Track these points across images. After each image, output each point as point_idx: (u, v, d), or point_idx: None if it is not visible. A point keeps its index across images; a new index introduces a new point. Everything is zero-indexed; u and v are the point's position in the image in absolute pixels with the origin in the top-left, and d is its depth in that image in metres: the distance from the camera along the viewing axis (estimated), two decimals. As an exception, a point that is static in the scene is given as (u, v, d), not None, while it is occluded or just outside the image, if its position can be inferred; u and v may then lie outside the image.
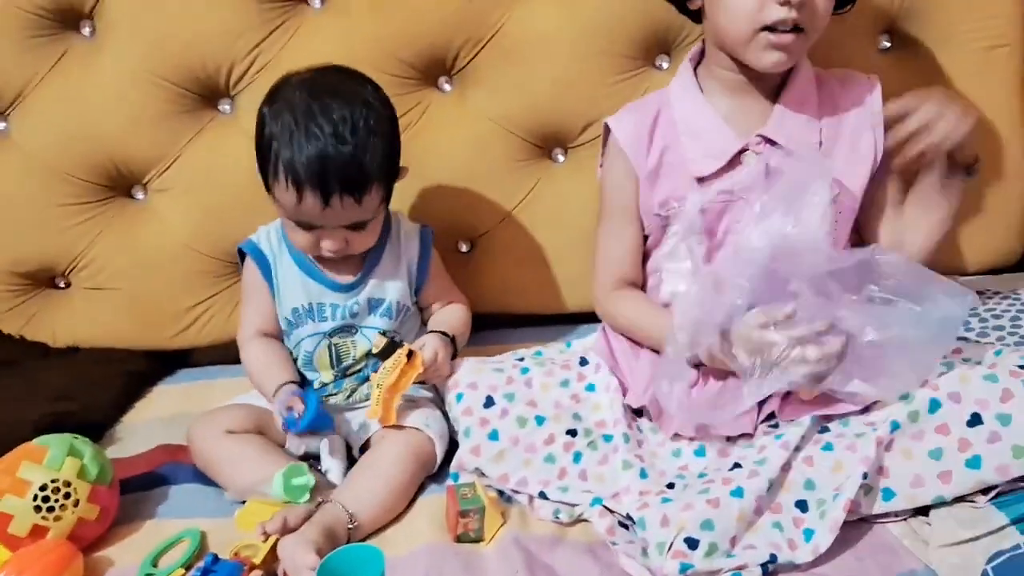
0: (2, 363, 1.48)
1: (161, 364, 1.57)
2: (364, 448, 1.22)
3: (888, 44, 1.43)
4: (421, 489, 1.18)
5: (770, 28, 1.10)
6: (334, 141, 1.12)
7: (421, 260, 1.34)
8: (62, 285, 1.55)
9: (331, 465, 1.20)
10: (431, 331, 1.28)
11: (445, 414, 1.25)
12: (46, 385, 1.41)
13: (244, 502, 1.15)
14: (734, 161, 1.19)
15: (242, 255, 1.32)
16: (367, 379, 1.28)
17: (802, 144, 1.18)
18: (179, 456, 1.28)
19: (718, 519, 0.96)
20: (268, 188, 1.20)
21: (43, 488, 1.04)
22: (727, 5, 1.12)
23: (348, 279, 1.28)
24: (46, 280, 1.54)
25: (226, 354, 1.54)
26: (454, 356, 1.28)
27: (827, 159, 1.18)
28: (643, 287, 1.31)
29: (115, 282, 1.51)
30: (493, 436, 1.17)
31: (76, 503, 1.06)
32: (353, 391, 1.29)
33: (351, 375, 1.28)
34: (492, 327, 1.55)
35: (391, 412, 1.18)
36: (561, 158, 1.50)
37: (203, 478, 1.22)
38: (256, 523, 1.08)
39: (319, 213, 1.16)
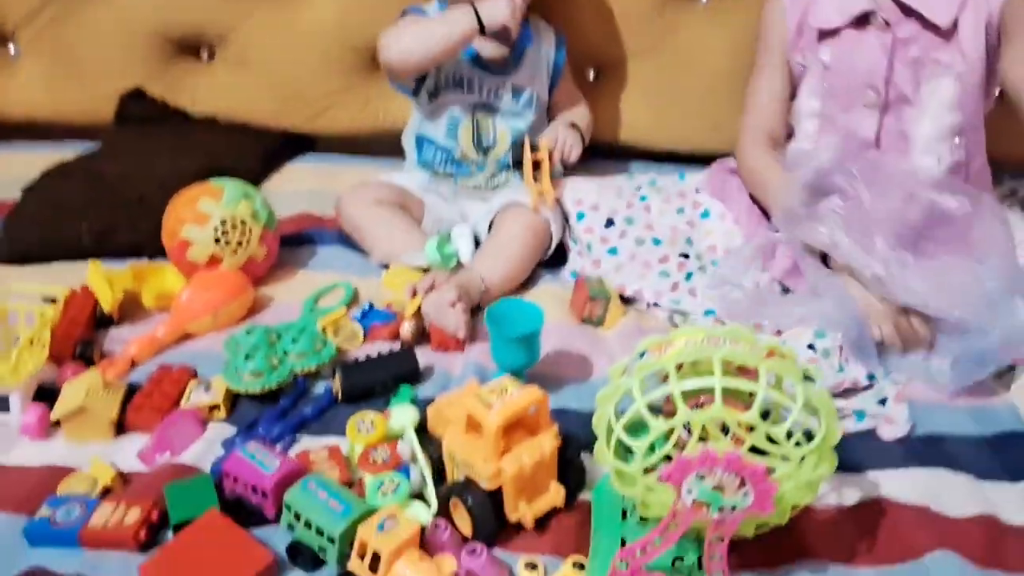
0: (149, 120, 1.58)
1: (290, 146, 1.65)
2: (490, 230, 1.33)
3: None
4: (538, 277, 1.28)
5: None
6: None
7: (557, 59, 1.41)
8: (206, 57, 1.61)
9: (461, 247, 1.30)
10: None
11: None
12: (195, 143, 1.51)
13: (387, 266, 1.26)
14: (861, 22, 1.22)
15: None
16: (507, 166, 1.38)
17: (938, 14, 1.18)
18: (323, 223, 1.39)
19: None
20: None
21: (222, 223, 1.15)
22: None
23: (498, 64, 1.34)
24: (191, 49, 1.60)
25: (352, 146, 1.63)
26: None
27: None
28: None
29: (259, 60, 1.57)
30: (612, 252, 1.26)
31: (248, 241, 1.17)
32: (494, 175, 1.38)
33: (494, 159, 1.37)
34: (607, 157, 1.61)
35: (547, 195, 1.27)
36: None
37: (347, 243, 1.33)
38: (402, 284, 1.20)
39: None
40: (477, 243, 1.32)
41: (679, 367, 0.73)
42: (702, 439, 0.72)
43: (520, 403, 0.81)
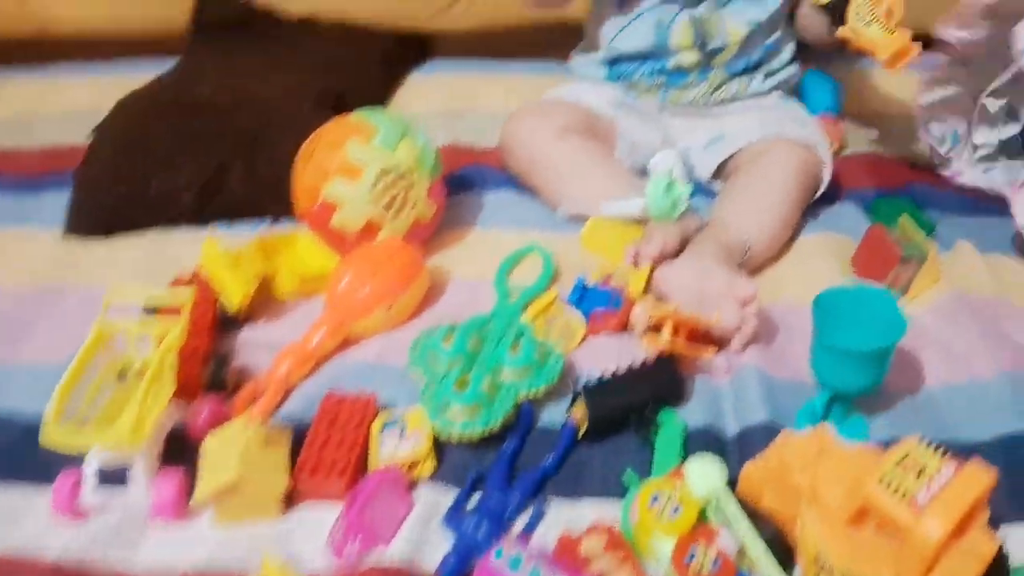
0: (233, 26, 1.23)
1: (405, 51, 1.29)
2: (720, 170, 0.98)
3: None
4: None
5: None
6: None
7: None
8: (297, -63, 1.25)
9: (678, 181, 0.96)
10: None
11: None
12: (298, 55, 1.17)
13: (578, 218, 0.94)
14: None
15: None
16: (744, 71, 1.01)
17: None
18: (481, 159, 1.05)
19: None
20: None
21: (381, 175, 0.82)
22: None
23: None
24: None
25: (484, 46, 1.27)
26: None
27: None
28: None
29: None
30: None
31: (414, 199, 0.85)
32: (720, 85, 1.01)
33: (720, 64, 1.00)
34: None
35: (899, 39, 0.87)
36: None
37: (516, 185, 1.00)
38: (610, 244, 0.88)
39: None
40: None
41: None
42: None
43: (968, 500, 0.50)
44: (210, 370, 0.74)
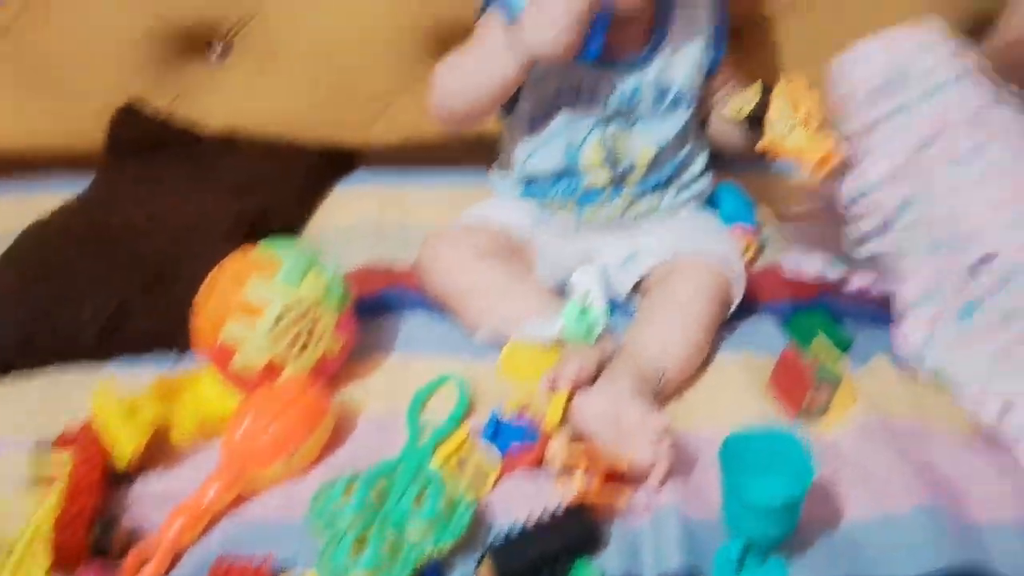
0: (150, 144, 1.21)
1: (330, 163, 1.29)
2: (638, 286, 0.98)
3: None
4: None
5: None
6: None
7: (719, 24, 1.01)
8: (218, 53, 1.24)
9: (596, 303, 0.95)
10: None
11: None
12: (217, 173, 1.15)
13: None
14: None
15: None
16: (656, 187, 1.01)
17: None
18: (399, 280, 1.03)
19: None
20: None
21: (283, 314, 0.80)
22: None
23: (632, 52, 0.96)
24: (199, 44, 1.23)
25: (411, 157, 1.27)
26: None
27: None
28: None
29: (288, 52, 1.20)
30: None
31: (320, 335, 0.82)
32: (633, 202, 1.01)
33: (631, 183, 1.00)
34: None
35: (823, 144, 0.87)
36: None
37: (433, 307, 0.98)
38: (530, 370, 0.86)
39: None
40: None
41: None
42: None
43: None
44: (96, 533, 0.70)
